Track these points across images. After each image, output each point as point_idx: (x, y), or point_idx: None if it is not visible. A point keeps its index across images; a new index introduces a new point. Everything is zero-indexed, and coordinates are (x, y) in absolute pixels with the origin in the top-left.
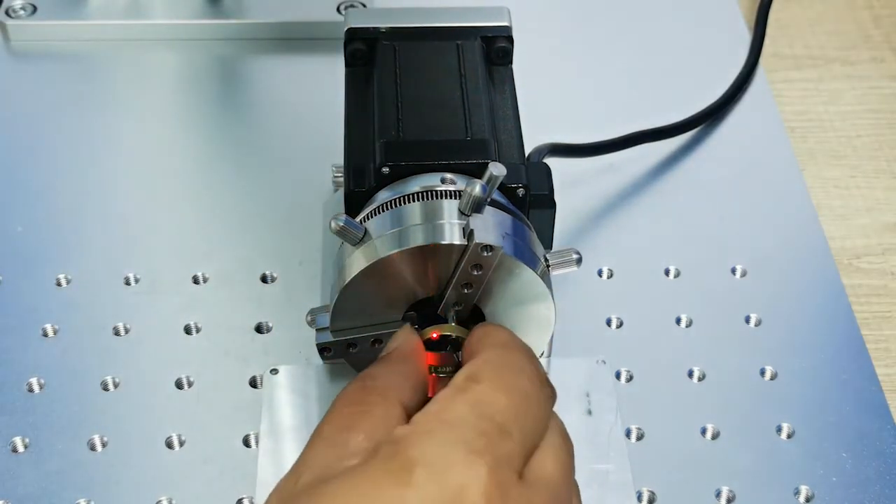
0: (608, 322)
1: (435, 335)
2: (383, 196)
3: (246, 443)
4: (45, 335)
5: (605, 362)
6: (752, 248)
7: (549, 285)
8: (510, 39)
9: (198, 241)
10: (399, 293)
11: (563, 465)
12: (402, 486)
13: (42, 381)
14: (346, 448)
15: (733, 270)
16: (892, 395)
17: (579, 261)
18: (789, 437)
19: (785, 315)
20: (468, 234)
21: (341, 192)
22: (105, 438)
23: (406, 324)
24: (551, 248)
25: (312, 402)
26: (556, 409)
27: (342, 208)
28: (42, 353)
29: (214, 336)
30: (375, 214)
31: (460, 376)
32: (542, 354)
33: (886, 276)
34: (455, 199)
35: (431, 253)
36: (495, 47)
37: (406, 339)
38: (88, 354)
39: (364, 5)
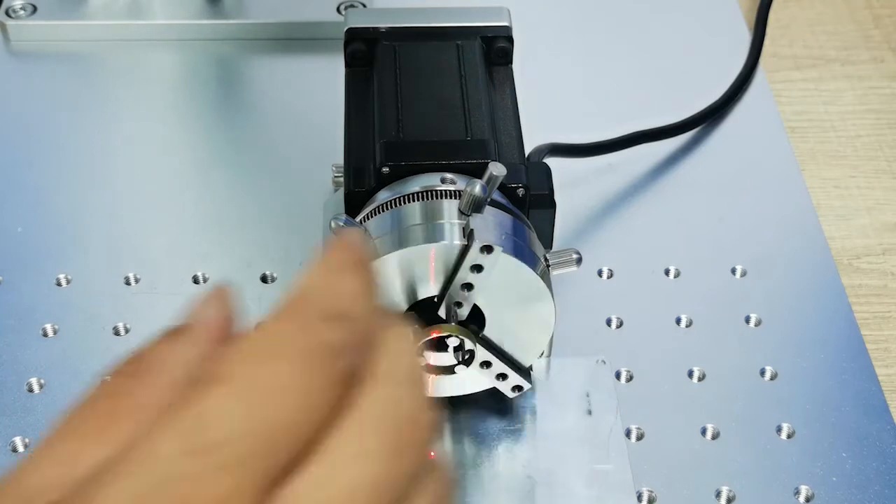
0: (608, 322)
1: (435, 335)
2: (383, 196)
3: None
4: (45, 335)
5: (605, 362)
6: (752, 248)
7: (549, 285)
8: (510, 39)
9: (198, 241)
10: (399, 293)
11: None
12: None
13: (42, 381)
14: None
15: (733, 270)
16: (892, 395)
17: (579, 261)
18: (789, 437)
19: (785, 315)
20: (468, 234)
21: (341, 192)
22: None
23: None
24: (551, 248)
25: None
26: (556, 409)
27: (342, 208)
28: (42, 353)
29: None
30: (375, 214)
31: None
32: (542, 354)
33: (886, 276)
34: (455, 199)
35: (431, 253)
36: (495, 47)
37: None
38: (88, 354)
39: (364, 5)
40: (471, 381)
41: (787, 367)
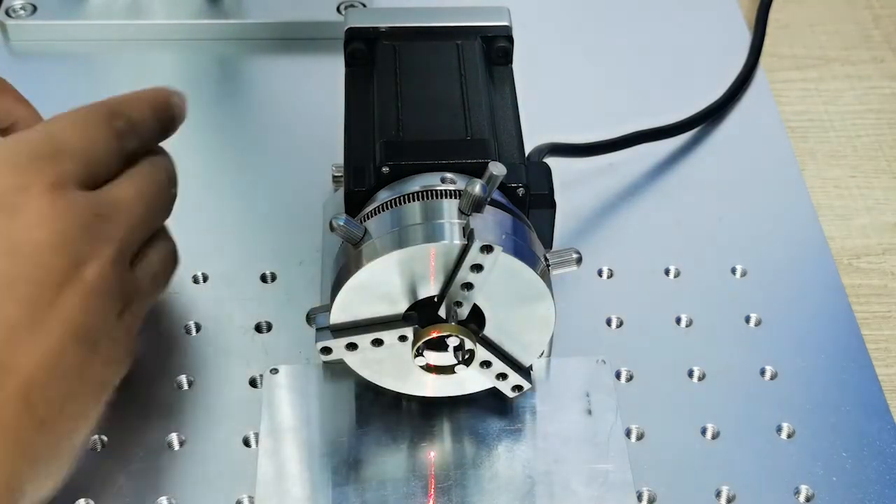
0: (608, 322)
1: (435, 335)
2: (383, 196)
3: (246, 443)
4: None
5: (605, 362)
6: (752, 248)
7: (549, 285)
8: (510, 39)
9: (198, 241)
10: (399, 293)
11: (138, 191)
12: None
13: None
14: None
15: (733, 270)
16: (892, 395)
17: (579, 261)
18: (789, 437)
19: (785, 315)
20: (468, 233)
21: (341, 191)
22: (105, 438)
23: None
24: (551, 248)
25: (312, 401)
26: (556, 409)
27: (342, 208)
28: None
29: (214, 336)
30: (375, 214)
31: None
32: (542, 354)
33: (886, 276)
34: (455, 198)
35: (431, 253)
36: (495, 47)
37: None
38: None
39: (364, 5)
40: (471, 380)
41: (787, 367)
